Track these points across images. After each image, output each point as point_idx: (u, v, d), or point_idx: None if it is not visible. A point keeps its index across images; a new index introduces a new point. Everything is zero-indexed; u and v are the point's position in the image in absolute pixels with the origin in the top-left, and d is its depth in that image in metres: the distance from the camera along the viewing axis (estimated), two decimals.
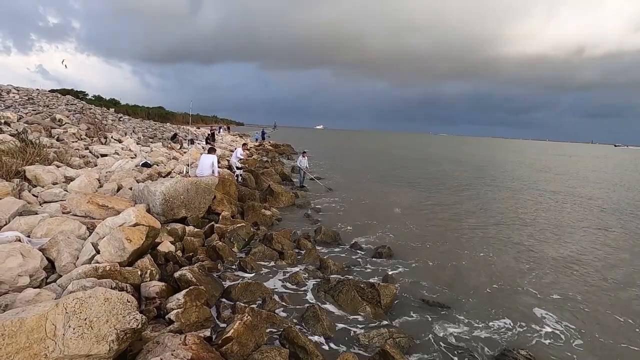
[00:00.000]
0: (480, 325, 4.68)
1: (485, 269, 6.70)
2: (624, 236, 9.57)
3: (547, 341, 4.44)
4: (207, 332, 3.76)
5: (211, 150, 9.73)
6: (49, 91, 28.59)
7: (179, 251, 5.81)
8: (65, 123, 14.14)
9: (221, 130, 38.39)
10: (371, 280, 5.70)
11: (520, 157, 47.11)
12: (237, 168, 13.04)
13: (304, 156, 14.36)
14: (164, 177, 9.76)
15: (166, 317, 3.90)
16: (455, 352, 4.07)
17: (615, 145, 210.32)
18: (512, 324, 4.77)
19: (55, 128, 12.94)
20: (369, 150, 44.16)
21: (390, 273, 6.20)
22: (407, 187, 16.12)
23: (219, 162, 9.73)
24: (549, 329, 4.71)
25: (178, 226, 6.57)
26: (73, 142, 12.10)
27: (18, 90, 22.05)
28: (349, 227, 8.94)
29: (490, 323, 4.75)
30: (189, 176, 9.14)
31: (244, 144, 16.02)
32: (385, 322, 4.64)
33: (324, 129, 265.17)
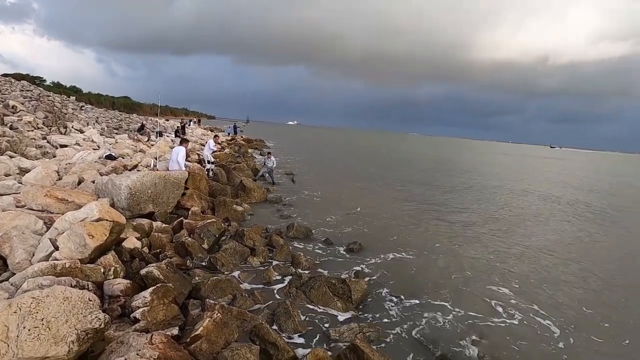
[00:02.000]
0: (448, 318, 4.86)
1: (453, 262, 6.96)
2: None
3: (512, 331, 4.69)
4: (175, 331, 3.67)
5: (183, 142, 9.43)
6: (1, 75, 26.50)
7: (145, 247, 5.60)
8: (20, 110, 13.18)
9: (191, 123, 37.25)
10: (342, 275, 5.76)
11: (480, 157, 49.32)
12: (209, 162, 12.71)
13: (269, 157, 13.95)
14: (129, 170, 9.34)
15: (131, 315, 3.75)
16: (424, 345, 4.21)
17: (551, 147, 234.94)
18: (477, 314, 5.00)
19: (8, 115, 12.02)
20: (342, 148, 44.53)
21: (361, 268, 6.30)
22: (378, 183, 16.41)
23: (188, 156, 9.44)
24: (512, 319, 4.97)
25: (145, 221, 6.32)
26: (29, 130, 11.31)
27: None
28: (321, 223, 8.98)
29: (457, 315, 4.94)
30: (157, 170, 8.81)
31: (216, 136, 15.62)
32: (355, 317, 4.72)
33: (297, 125, 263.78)
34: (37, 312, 2.64)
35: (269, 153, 14.27)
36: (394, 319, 4.74)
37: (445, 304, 5.26)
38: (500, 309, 5.25)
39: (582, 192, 19.24)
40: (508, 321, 4.94)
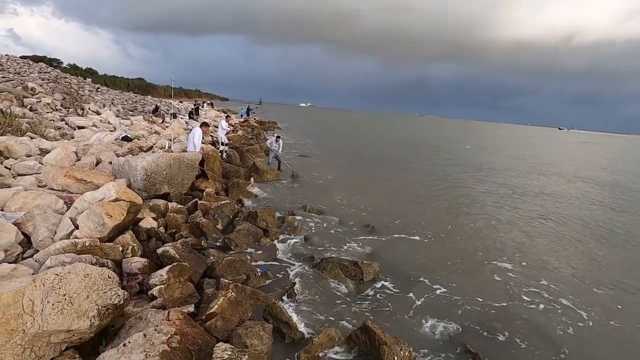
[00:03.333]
0: (459, 301, 4.85)
1: (467, 244, 6.92)
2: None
3: (525, 314, 4.66)
4: (191, 308, 3.78)
5: (203, 125, 9.49)
6: (19, 57, 26.93)
7: (161, 227, 5.73)
8: (39, 92, 13.43)
9: (205, 105, 37.36)
10: (354, 257, 5.79)
11: (495, 140, 48.08)
12: (223, 144, 12.77)
13: (277, 141, 12.96)
14: (145, 151, 9.48)
15: (149, 293, 3.88)
16: (436, 327, 4.23)
17: (559, 129, 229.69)
18: (491, 297, 4.97)
19: (27, 97, 12.27)
20: (354, 130, 44.06)
21: (373, 250, 6.31)
22: (391, 165, 16.25)
23: (203, 138, 9.51)
24: (534, 304, 4.92)
25: (160, 202, 6.45)
26: (47, 112, 11.54)
27: None
28: (333, 204, 8.99)
29: (469, 299, 4.93)
30: (172, 151, 8.91)
31: (227, 117, 15.66)
32: (367, 298, 4.76)
33: (310, 107, 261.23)
34: (59, 288, 2.75)
35: (277, 137, 13.32)
36: (405, 301, 4.76)
37: (459, 286, 5.24)
38: (522, 295, 5.19)
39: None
40: (529, 306, 4.89)
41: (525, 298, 5.12)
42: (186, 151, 8.63)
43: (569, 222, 9.32)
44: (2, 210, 4.59)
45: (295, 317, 3.97)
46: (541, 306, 4.93)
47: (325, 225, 7.53)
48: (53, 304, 2.67)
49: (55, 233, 4.31)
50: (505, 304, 4.90)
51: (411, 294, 4.96)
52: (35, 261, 3.77)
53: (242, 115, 33.95)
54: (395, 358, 3.47)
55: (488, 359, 3.69)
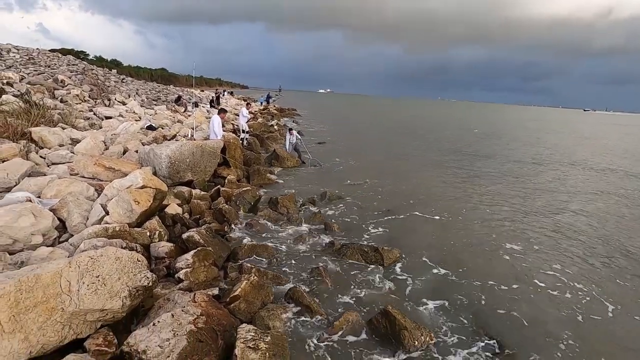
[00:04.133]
0: (481, 286, 4.77)
1: (490, 231, 6.76)
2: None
3: (548, 304, 4.55)
4: (216, 291, 3.91)
5: (220, 112, 9.64)
6: (49, 51, 27.94)
7: (186, 213, 5.91)
8: (68, 84, 13.94)
9: (226, 93, 37.73)
10: (375, 242, 5.79)
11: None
12: (244, 131, 12.90)
13: (290, 133, 12.43)
14: (169, 140, 9.73)
15: (175, 276, 4.04)
16: (456, 314, 4.20)
17: (584, 110, 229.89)
18: (509, 284, 4.87)
19: (58, 89, 12.78)
20: (374, 116, 43.41)
21: (394, 235, 6.28)
22: (411, 151, 15.97)
23: (223, 126, 9.65)
24: (550, 291, 4.80)
25: (184, 189, 6.64)
26: (77, 103, 11.99)
27: (18, 50, 21.56)
28: (353, 190, 8.97)
29: (492, 284, 4.85)
30: (195, 139, 9.10)
31: (248, 104, 15.79)
32: (388, 284, 4.77)
33: (330, 93, 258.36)
34: (93, 270, 2.91)
35: (290, 129, 12.79)
36: (426, 287, 4.74)
37: (481, 272, 5.15)
38: (537, 284, 5.06)
39: None
40: (554, 293, 4.77)
41: (552, 286, 4.98)
42: (208, 139, 8.79)
43: (594, 215, 8.92)
44: (39, 197, 4.85)
45: (316, 301, 4.03)
46: (568, 294, 4.78)
47: (345, 211, 7.54)
48: (88, 285, 2.83)
49: (88, 219, 4.53)
50: (529, 291, 4.78)
51: (432, 280, 4.93)
52: (71, 245, 3.99)
53: (262, 103, 34.09)
54: (416, 343, 3.48)
55: (510, 345, 3.63)
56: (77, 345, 2.78)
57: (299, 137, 12.86)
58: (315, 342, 3.51)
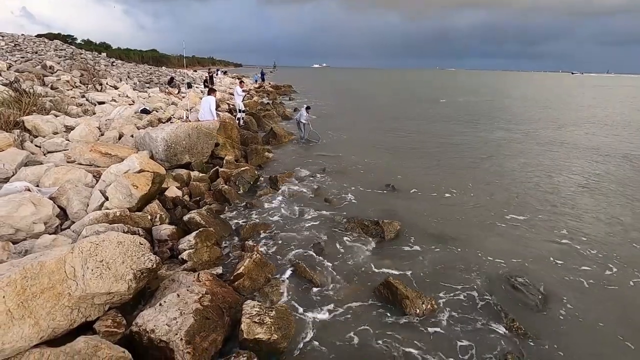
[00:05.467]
0: (480, 256, 4.86)
1: (487, 203, 6.79)
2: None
3: (546, 270, 4.64)
4: (219, 270, 3.98)
5: (211, 92, 9.44)
6: (35, 36, 27.17)
7: (186, 196, 5.92)
8: (57, 70, 13.64)
9: (219, 72, 36.96)
10: (375, 216, 5.83)
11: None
12: (240, 111, 12.71)
13: (307, 111, 11.89)
14: (164, 123, 9.61)
15: (179, 257, 4.10)
16: (456, 282, 4.28)
17: (572, 73, 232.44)
18: (511, 255, 4.94)
19: (47, 76, 12.51)
20: (371, 89, 42.70)
21: (394, 208, 6.32)
22: (410, 126, 15.82)
23: (218, 106, 9.49)
24: (550, 259, 4.88)
25: (183, 172, 6.62)
26: (68, 90, 11.77)
27: (3, 37, 20.98)
28: (352, 166, 8.94)
29: (490, 254, 4.92)
30: (190, 121, 8.98)
31: (241, 82, 15.52)
32: (389, 256, 4.83)
33: (325, 68, 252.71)
34: (96, 255, 2.94)
35: (307, 107, 12.13)
36: (426, 258, 4.81)
37: (477, 243, 5.22)
38: (546, 251, 5.13)
39: None
40: (553, 262, 4.84)
41: (550, 254, 5.05)
42: (198, 120, 8.65)
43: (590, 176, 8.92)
44: (38, 186, 4.85)
45: (318, 275, 4.11)
46: (573, 264, 4.86)
47: (345, 185, 7.55)
48: (92, 270, 2.87)
49: (88, 205, 4.54)
50: (527, 260, 4.85)
51: (432, 250, 4.99)
52: (73, 232, 4.02)
53: (256, 81, 33.46)
54: (418, 310, 3.58)
55: (512, 314, 3.70)
56: (87, 327, 2.85)
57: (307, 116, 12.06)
58: (319, 314, 3.60)
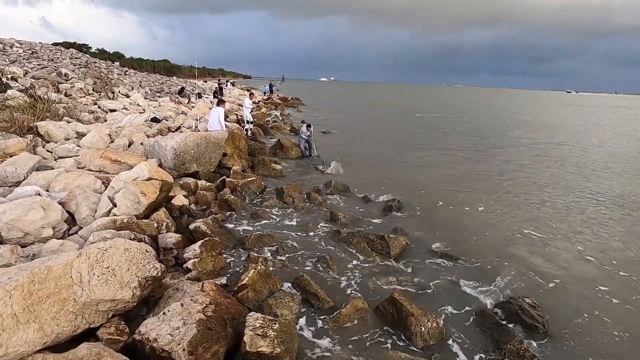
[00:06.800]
0: (487, 275, 4.78)
1: (494, 221, 6.73)
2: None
3: (553, 292, 4.55)
4: (224, 280, 3.96)
5: (220, 103, 9.59)
6: (51, 44, 27.95)
7: (192, 204, 5.95)
8: (72, 78, 13.97)
9: (229, 84, 37.57)
10: (381, 230, 5.79)
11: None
12: (248, 122, 12.86)
13: (307, 129, 11.31)
14: (173, 132, 9.74)
15: (184, 266, 4.09)
16: (461, 300, 4.22)
17: (567, 92, 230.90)
18: (518, 274, 4.86)
19: (62, 83, 12.81)
20: (379, 104, 43.01)
21: (400, 225, 6.28)
22: (417, 142, 15.85)
23: (227, 117, 9.61)
24: (555, 280, 4.80)
25: (190, 180, 6.67)
26: (81, 97, 12.02)
27: (21, 44, 21.60)
28: (358, 180, 8.94)
29: (497, 273, 4.84)
30: (198, 130, 9.11)
31: (251, 94, 15.76)
32: (394, 272, 4.79)
33: (333, 81, 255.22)
34: (103, 261, 2.95)
35: (308, 125, 11.58)
36: (432, 275, 4.75)
37: (484, 262, 5.15)
38: (543, 271, 5.05)
39: None
40: (550, 284, 4.76)
41: (561, 275, 4.97)
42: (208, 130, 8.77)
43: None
44: (48, 190, 4.91)
45: (322, 289, 4.07)
46: (591, 292, 4.77)
47: (351, 200, 7.54)
48: (98, 276, 2.87)
49: (96, 211, 4.58)
50: (537, 280, 4.78)
51: (439, 267, 4.94)
52: (80, 237, 4.05)
53: (265, 93, 33.90)
54: (423, 329, 3.51)
55: (519, 335, 3.63)
56: (90, 334, 2.84)
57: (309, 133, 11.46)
58: (323, 329, 3.55)
